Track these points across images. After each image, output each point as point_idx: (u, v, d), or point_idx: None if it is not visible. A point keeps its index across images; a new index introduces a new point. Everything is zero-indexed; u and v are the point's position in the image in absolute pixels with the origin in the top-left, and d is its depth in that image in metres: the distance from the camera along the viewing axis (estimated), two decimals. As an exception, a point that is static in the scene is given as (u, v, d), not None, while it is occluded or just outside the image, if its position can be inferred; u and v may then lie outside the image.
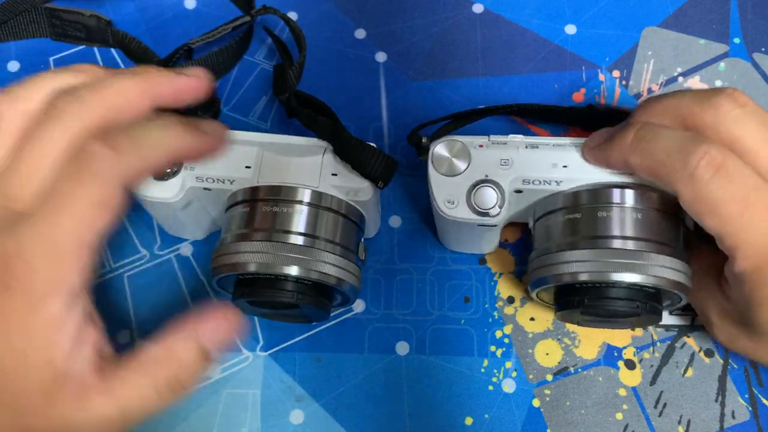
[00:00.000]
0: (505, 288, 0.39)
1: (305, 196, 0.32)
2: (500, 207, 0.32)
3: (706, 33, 0.45)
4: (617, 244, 0.30)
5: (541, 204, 0.33)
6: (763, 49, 0.44)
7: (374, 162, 0.32)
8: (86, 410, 0.24)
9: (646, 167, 0.29)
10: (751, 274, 0.28)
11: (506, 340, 0.37)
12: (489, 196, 0.32)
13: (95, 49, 0.45)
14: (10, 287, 0.23)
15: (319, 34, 0.45)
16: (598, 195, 0.31)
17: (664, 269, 0.29)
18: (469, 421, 0.36)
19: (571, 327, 0.38)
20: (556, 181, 0.32)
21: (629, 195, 0.31)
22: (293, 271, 0.31)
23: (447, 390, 0.36)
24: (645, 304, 0.30)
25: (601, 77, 0.44)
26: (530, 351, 0.37)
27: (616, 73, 0.44)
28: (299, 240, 0.31)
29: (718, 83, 0.43)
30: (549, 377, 0.37)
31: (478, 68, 0.44)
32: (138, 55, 0.44)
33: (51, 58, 0.45)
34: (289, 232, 0.32)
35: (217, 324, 0.28)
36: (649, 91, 0.43)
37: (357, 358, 0.37)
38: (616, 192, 0.31)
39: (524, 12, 0.46)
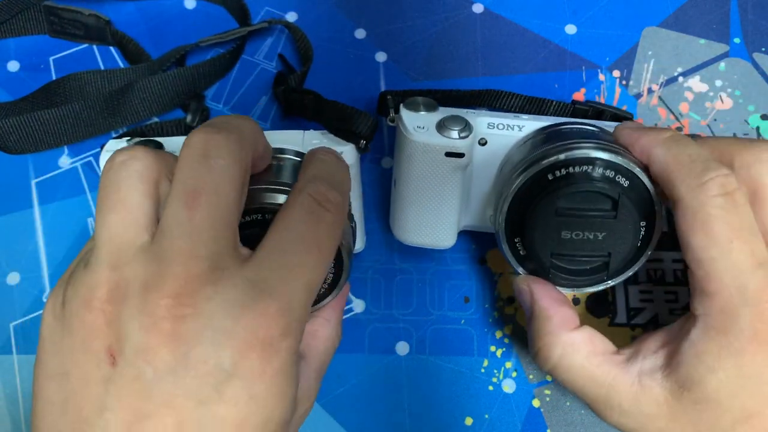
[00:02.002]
0: (505, 288, 0.39)
1: (290, 153, 0.32)
2: (468, 133, 0.32)
3: (706, 33, 0.45)
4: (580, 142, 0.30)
5: (502, 179, 0.33)
6: (763, 49, 0.44)
7: (361, 121, 0.34)
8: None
9: (663, 163, 0.28)
10: (710, 316, 0.26)
11: (506, 340, 0.37)
12: (457, 123, 0.32)
13: (94, 47, 0.45)
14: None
15: (319, 34, 0.45)
16: (554, 127, 0.33)
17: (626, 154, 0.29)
18: (469, 421, 0.36)
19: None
20: (519, 126, 0.33)
21: (579, 122, 0.33)
22: None
23: (447, 390, 0.36)
24: (625, 188, 0.29)
25: (601, 77, 0.44)
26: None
27: (616, 73, 0.44)
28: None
29: (719, 83, 0.43)
30: (549, 377, 0.37)
31: (478, 68, 0.44)
32: (133, 56, 0.44)
33: (51, 58, 0.45)
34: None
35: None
36: (649, 91, 0.43)
37: (357, 358, 0.37)
38: (570, 120, 0.33)
39: (524, 12, 0.46)
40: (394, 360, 0.37)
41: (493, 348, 0.37)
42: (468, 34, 0.45)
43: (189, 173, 0.22)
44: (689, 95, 0.43)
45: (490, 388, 0.37)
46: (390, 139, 0.43)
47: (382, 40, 0.45)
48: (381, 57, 0.45)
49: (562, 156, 0.29)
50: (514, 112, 0.41)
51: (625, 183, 0.29)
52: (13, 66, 0.45)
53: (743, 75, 0.43)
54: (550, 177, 0.29)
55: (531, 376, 0.37)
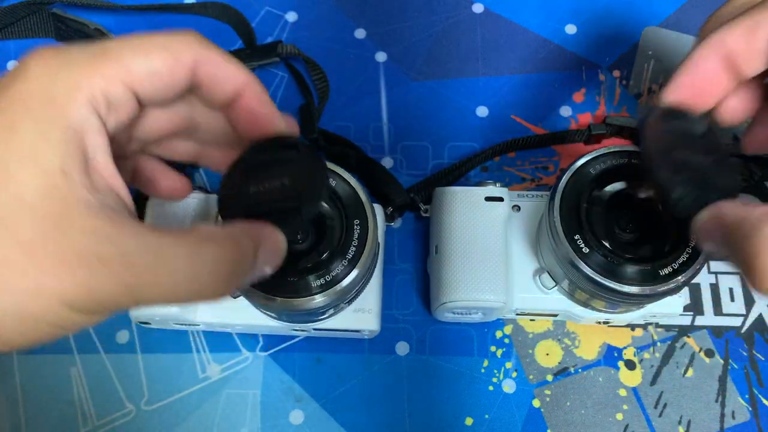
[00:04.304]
0: (505, 288, 0.39)
1: None
2: (502, 185, 0.36)
3: (707, 33, 0.45)
4: None
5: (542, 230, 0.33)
6: (763, 49, 0.44)
7: (396, 191, 0.38)
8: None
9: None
10: None
11: (506, 341, 0.37)
12: (493, 182, 0.37)
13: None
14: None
15: (319, 34, 0.45)
16: None
17: None
18: (469, 421, 0.36)
19: (571, 327, 0.37)
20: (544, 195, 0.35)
21: None
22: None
23: (447, 390, 0.36)
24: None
25: (601, 77, 0.44)
26: (530, 351, 0.37)
27: (616, 73, 0.44)
28: None
29: (719, 83, 0.43)
30: (549, 377, 0.37)
31: (478, 68, 0.44)
32: None
33: (51, 58, 0.45)
34: None
35: (271, 236, 0.24)
36: (650, 91, 0.43)
37: (357, 358, 0.37)
38: None
39: (524, 12, 0.46)
40: (394, 360, 0.37)
41: (493, 348, 0.37)
42: (468, 34, 0.45)
43: None
44: (689, 95, 0.43)
45: (490, 388, 0.36)
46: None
47: (382, 40, 0.45)
48: (381, 57, 0.45)
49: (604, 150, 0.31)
50: (532, 149, 0.42)
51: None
52: (12, 66, 0.45)
53: (743, 75, 0.43)
54: (592, 171, 0.31)
55: (531, 377, 0.37)
